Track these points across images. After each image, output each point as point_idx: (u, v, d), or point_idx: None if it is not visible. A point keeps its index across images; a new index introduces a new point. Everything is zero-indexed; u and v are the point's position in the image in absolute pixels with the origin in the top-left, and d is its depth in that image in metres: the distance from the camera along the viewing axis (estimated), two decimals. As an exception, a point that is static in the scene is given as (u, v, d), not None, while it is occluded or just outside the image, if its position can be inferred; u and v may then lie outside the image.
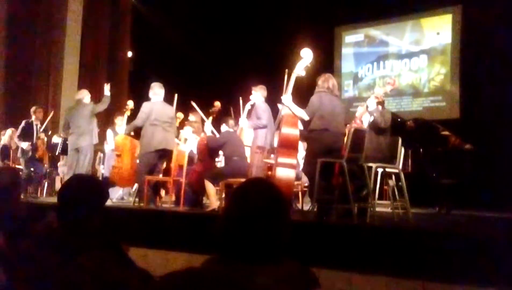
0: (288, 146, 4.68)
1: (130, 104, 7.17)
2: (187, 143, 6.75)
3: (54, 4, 10.71)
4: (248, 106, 6.54)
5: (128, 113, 7.35)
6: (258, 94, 6.22)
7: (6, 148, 8.29)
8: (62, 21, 10.77)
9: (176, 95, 6.69)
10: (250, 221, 1.30)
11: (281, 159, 4.66)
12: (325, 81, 4.99)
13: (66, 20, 10.82)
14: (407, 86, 10.50)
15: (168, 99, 6.61)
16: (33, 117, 8.04)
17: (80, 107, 6.89)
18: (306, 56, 4.94)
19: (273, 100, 6.05)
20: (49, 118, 8.43)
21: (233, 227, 1.32)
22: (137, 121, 6.30)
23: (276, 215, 1.34)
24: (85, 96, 6.99)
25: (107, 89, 6.88)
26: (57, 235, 1.92)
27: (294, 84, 5.06)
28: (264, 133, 6.02)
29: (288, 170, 4.58)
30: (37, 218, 2.89)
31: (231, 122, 6.20)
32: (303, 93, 5.30)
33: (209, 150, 6.23)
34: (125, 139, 7.00)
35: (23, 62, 10.35)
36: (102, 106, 6.88)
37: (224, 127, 6.19)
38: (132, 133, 6.95)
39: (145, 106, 6.29)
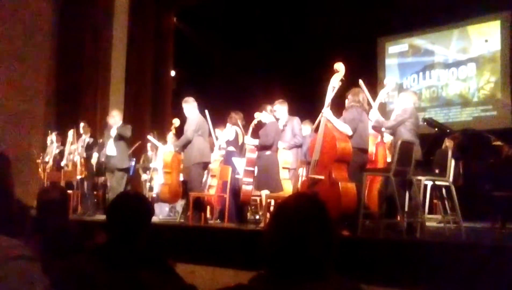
0: (343, 160, 4.70)
1: (176, 122, 7.27)
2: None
3: (100, 26, 11.11)
4: (280, 127, 6.44)
5: (173, 131, 7.46)
6: (284, 109, 6.17)
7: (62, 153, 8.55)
8: (108, 43, 11.16)
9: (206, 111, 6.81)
10: (296, 237, 1.28)
11: (338, 174, 4.63)
12: (355, 95, 4.99)
13: (112, 42, 11.20)
14: (455, 95, 10.21)
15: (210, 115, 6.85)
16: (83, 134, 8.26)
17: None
18: (340, 70, 4.95)
19: (316, 113, 5.99)
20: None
21: (279, 244, 1.30)
22: (188, 134, 6.32)
23: (322, 231, 1.31)
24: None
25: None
26: (106, 251, 1.95)
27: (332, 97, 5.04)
28: (300, 150, 6.03)
29: (350, 184, 4.58)
30: (88, 235, 2.96)
31: (269, 107, 6.14)
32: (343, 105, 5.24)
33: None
34: (174, 156, 7.10)
35: (71, 85, 10.76)
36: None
37: (266, 115, 6.13)
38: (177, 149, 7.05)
39: (194, 118, 6.41)
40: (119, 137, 7.07)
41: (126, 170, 7.21)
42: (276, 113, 6.23)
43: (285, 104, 6.23)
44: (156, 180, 8.51)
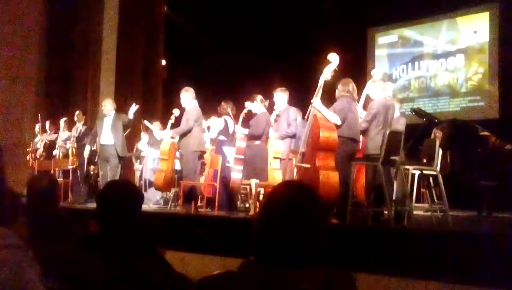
0: (328, 149, 4.70)
1: (176, 112, 7.26)
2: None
3: (91, 16, 11.00)
4: (273, 116, 6.44)
5: (172, 120, 7.43)
6: (284, 98, 6.15)
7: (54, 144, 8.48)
8: (99, 31, 11.05)
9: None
10: (285, 225, 1.28)
11: (322, 162, 4.65)
12: (345, 85, 5.01)
13: (102, 30, 11.08)
14: (443, 86, 10.26)
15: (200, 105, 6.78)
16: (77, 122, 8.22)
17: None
18: (333, 60, 4.95)
19: (306, 103, 6.00)
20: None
21: (268, 231, 1.31)
22: (190, 123, 6.32)
23: (312, 218, 1.31)
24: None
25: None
26: (96, 239, 1.97)
27: (323, 88, 5.05)
28: (293, 140, 6.04)
29: (332, 173, 4.59)
30: (79, 223, 2.98)
31: (260, 96, 6.15)
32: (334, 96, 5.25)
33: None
34: (172, 144, 7.10)
35: (61, 73, 10.66)
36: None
37: (257, 105, 6.14)
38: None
39: (194, 108, 6.44)
40: (117, 126, 7.05)
41: (122, 158, 7.22)
42: (275, 100, 6.15)
43: (286, 93, 6.11)
44: (146, 167, 8.45)
